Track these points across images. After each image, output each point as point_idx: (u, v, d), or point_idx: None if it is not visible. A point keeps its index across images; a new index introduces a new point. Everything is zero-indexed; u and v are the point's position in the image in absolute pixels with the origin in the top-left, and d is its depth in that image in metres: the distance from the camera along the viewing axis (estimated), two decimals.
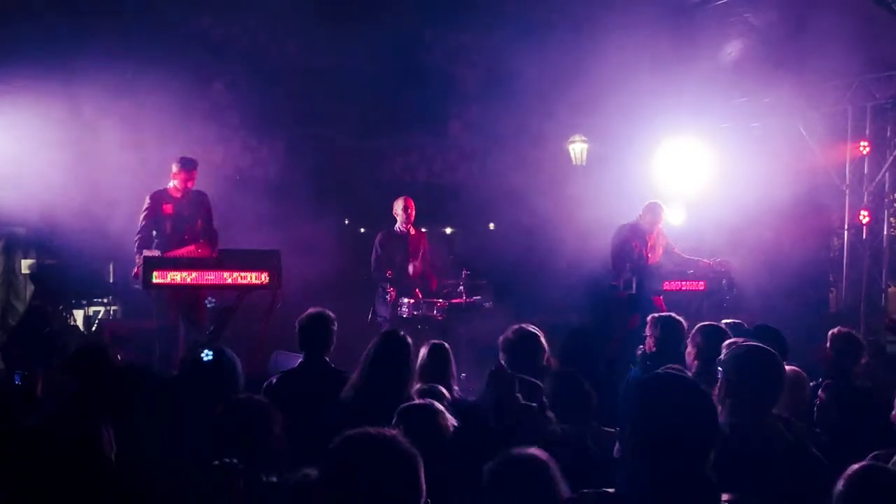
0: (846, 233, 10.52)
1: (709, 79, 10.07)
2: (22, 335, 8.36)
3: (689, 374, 4.30)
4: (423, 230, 9.52)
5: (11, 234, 9.90)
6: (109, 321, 9.65)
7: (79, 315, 9.52)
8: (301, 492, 2.77)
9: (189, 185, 7.66)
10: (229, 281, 6.85)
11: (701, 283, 8.68)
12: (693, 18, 10.40)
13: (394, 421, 3.35)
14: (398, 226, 8.97)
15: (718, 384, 3.34)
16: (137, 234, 7.59)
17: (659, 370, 3.63)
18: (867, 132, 10.27)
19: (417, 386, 4.68)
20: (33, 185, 8.55)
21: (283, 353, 7.64)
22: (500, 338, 4.73)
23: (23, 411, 4.13)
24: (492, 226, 13.46)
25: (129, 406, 3.70)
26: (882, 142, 10.43)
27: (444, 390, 3.97)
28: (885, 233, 10.53)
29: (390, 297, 8.58)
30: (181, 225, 7.62)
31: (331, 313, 5.02)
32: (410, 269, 8.79)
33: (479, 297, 9.12)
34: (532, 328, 4.74)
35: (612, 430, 4.21)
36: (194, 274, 6.80)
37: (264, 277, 6.86)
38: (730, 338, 4.31)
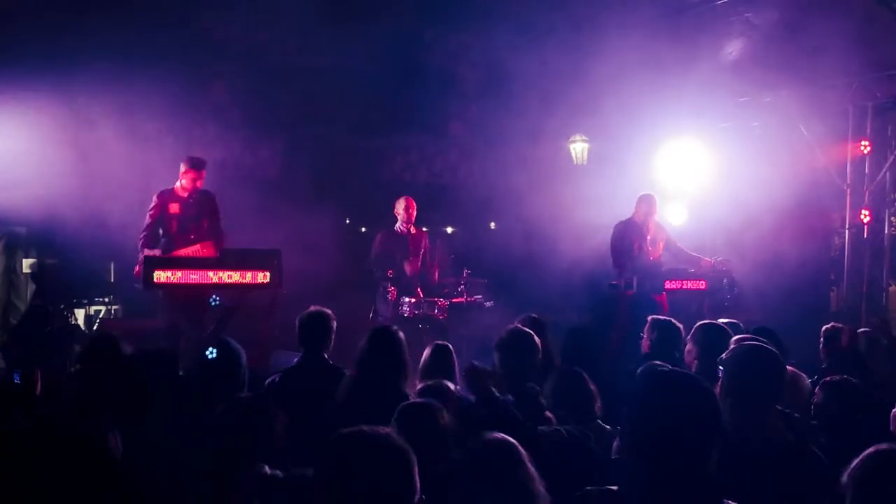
0: (847, 232, 10.52)
1: (709, 78, 10.07)
2: (23, 334, 8.38)
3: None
4: (424, 229, 9.53)
5: (12, 233, 9.92)
6: (110, 320, 9.66)
7: (80, 314, 9.53)
8: (302, 488, 2.78)
9: (197, 184, 7.66)
10: (230, 280, 6.86)
11: (702, 281, 8.67)
12: (694, 18, 10.41)
13: (393, 419, 3.35)
14: (398, 225, 8.98)
15: (720, 383, 3.35)
16: (142, 232, 7.61)
17: (663, 368, 3.63)
18: (868, 131, 10.28)
19: (420, 385, 4.70)
20: (34, 184, 8.57)
21: (283, 351, 7.64)
22: (496, 338, 4.73)
23: (21, 410, 4.11)
24: (492, 225, 13.47)
25: (140, 402, 3.72)
26: (883, 141, 10.44)
27: (449, 384, 3.97)
28: (885, 232, 10.55)
29: (391, 295, 8.59)
30: (187, 224, 7.63)
31: (330, 312, 5.04)
32: (408, 268, 8.79)
33: (479, 297, 9.13)
34: (526, 328, 4.73)
35: (609, 427, 4.23)
36: (195, 274, 6.80)
37: (265, 277, 6.87)
38: (730, 336, 4.32)
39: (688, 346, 4.58)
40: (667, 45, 9.86)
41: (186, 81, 9.98)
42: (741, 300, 8.88)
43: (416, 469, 2.23)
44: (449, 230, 13.59)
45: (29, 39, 8.90)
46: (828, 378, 4.45)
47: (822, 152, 10.49)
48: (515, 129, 11.11)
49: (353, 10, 10.58)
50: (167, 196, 7.67)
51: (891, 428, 3.81)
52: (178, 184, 7.69)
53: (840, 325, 6.47)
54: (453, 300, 8.90)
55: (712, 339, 4.38)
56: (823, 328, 6.35)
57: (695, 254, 9.06)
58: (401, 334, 4.48)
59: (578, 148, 11.95)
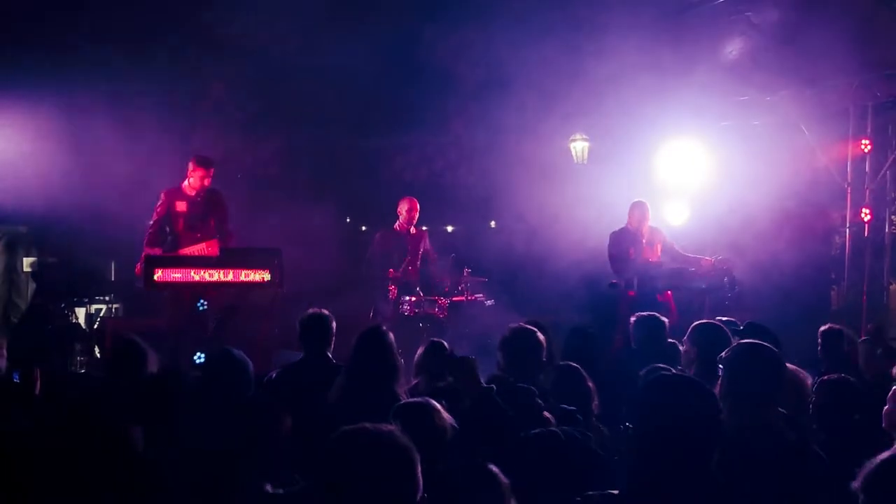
0: (848, 231, 10.52)
1: (710, 77, 10.06)
2: (23, 333, 8.40)
3: (683, 372, 4.33)
4: (424, 228, 9.55)
5: (13, 231, 9.93)
6: (111, 319, 9.68)
7: (80, 313, 9.54)
8: (303, 501, 2.78)
9: (205, 182, 7.68)
10: (231, 279, 6.88)
11: (701, 281, 8.71)
12: (694, 17, 10.39)
13: (390, 417, 3.36)
14: (399, 225, 9.00)
15: (719, 382, 3.36)
16: (148, 230, 7.64)
17: (665, 371, 3.65)
18: (868, 130, 10.28)
19: (415, 381, 4.73)
20: (35, 183, 8.58)
21: (287, 352, 7.67)
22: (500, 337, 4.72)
23: (21, 410, 4.12)
24: (493, 224, 13.48)
25: (161, 403, 3.75)
26: (883, 140, 10.44)
27: (433, 403, 3.96)
28: (886, 230, 10.55)
29: (391, 294, 8.60)
30: (194, 223, 7.64)
31: (329, 313, 5.09)
32: (409, 267, 8.82)
33: (480, 296, 9.15)
34: (531, 326, 4.74)
35: (604, 427, 4.24)
36: (196, 273, 6.83)
37: (266, 276, 6.89)
38: (727, 335, 4.33)
39: (685, 347, 4.59)
40: (667, 44, 9.86)
41: (187, 81, 9.99)
42: (742, 299, 8.89)
43: (419, 467, 2.21)
44: (449, 229, 13.62)
45: (29, 39, 8.91)
46: (825, 377, 4.46)
47: (823, 151, 10.50)
48: (516, 127, 11.11)
49: (353, 9, 10.58)
50: (174, 194, 7.69)
51: (883, 425, 3.82)
52: (185, 182, 7.71)
53: (838, 327, 6.47)
54: (453, 299, 8.92)
55: (709, 338, 4.38)
56: (821, 329, 6.35)
57: (693, 255, 9.10)
58: (390, 334, 4.49)
59: (579, 147, 11.96)
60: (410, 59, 10.65)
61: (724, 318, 5.28)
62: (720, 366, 3.39)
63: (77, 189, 8.81)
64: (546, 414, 3.95)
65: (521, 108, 10.72)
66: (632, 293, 8.65)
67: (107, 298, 9.88)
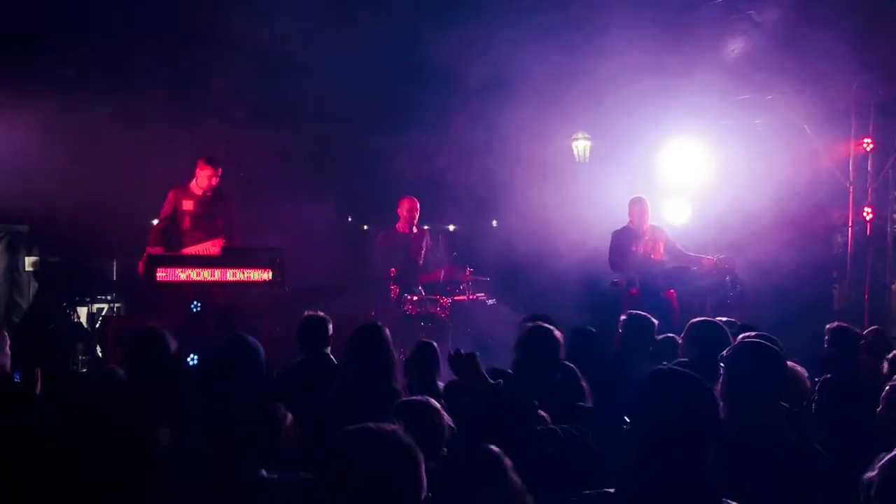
0: (850, 230, 10.52)
1: (711, 76, 10.07)
2: (25, 332, 8.41)
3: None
4: (426, 228, 9.56)
5: (15, 231, 9.94)
6: (113, 318, 9.69)
7: (82, 312, 9.55)
8: (300, 490, 2.79)
9: (213, 182, 7.71)
10: (233, 278, 6.90)
11: (703, 280, 8.72)
12: (696, 15, 10.40)
13: (390, 414, 3.37)
14: (400, 224, 9.01)
15: (720, 380, 3.37)
16: (154, 228, 7.68)
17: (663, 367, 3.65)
18: (870, 129, 10.28)
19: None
20: (36, 182, 8.59)
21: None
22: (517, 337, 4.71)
23: (21, 409, 4.13)
24: (494, 223, 13.48)
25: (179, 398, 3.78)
26: (885, 139, 10.42)
27: (432, 401, 3.98)
28: (888, 230, 10.53)
29: (393, 294, 8.61)
30: (200, 222, 7.67)
31: (325, 315, 5.19)
32: (410, 266, 8.84)
33: (481, 295, 9.15)
34: (547, 325, 4.71)
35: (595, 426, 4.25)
36: (197, 272, 6.84)
37: (268, 275, 6.91)
38: (725, 333, 4.34)
39: (682, 345, 4.60)
40: (669, 42, 9.86)
41: (188, 80, 10.00)
42: (743, 298, 8.90)
43: (423, 467, 2.20)
44: (451, 228, 13.62)
45: (31, 37, 8.92)
46: (827, 376, 4.46)
47: (825, 150, 10.50)
48: (517, 126, 11.11)
49: (354, 8, 10.59)
50: (181, 193, 7.73)
51: (876, 426, 3.81)
52: (193, 181, 7.74)
53: (845, 325, 6.43)
54: (455, 298, 8.93)
55: (706, 336, 4.39)
56: (828, 326, 6.30)
57: (695, 254, 9.12)
58: (386, 330, 4.51)
59: (580, 146, 11.96)
60: (411, 58, 10.66)
61: (724, 319, 5.29)
62: (721, 364, 3.39)
63: (79, 188, 8.81)
64: (541, 413, 3.97)
65: (522, 107, 10.71)
66: (634, 292, 8.66)
67: (108, 298, 9.89)
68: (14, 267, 9.97)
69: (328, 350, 5.18)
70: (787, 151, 10.32)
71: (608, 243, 9.13)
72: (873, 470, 2.60)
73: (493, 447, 2.75)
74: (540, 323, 4.71)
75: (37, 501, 3.14)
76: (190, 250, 7.42)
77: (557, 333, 4.56)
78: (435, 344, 4.95)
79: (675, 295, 8.73)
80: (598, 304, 9.32)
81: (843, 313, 9.91)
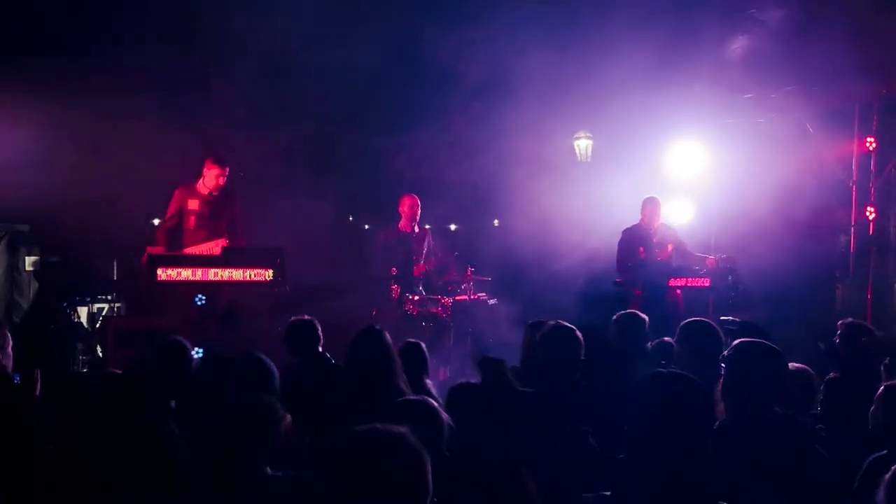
0: (853, 229, 10.52)
1: (714, 75, 10.07)
2: (26, 332, 8.41)
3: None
4: (427, 227, 9.56)
5: (15, 230, 9.94)
6: (113, 318, 9.69)
7: (83, 312, 9.56)
8: (304, 489, 2.79)
9: (220, 181, 7.74)
10: (233, 278, 6.90)
11: (705, 279, 8.73)
12: (699, 14, 10.39)
13: (388, 414, 3.37)
14: (401, 223, 9.01)
15: (721, 381, 3.37)
16: (161, 227, 7.71)
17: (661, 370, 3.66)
18: (874, 128, 10.27)
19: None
20: (37, 181, 8.59)
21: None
22: (538, 334, 4.71)
23: (21, 411, 4.14)
24: (496, 222, 13.48)
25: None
26: (889, 138, 10.41)
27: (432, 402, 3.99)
28: (892, 229, 10.53)
29: (394, 294, 8.62)
30: (205, 222, 7.69)
31: (312, 318, 5.29)
32: (412, 266, 8.84)
33: (483, 295, 9.15)
34: (568, 325, 4.72)
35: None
36: (198, 271, 6.85)
37: (269, 275, 6.91)
38: (718, 333, 4.33)
39: (676, 348, 4.60)
40: (671, 41, 9.86)
41: (189, 79, 9.99)
42: (746, 298, 8.89)
43: (430, 469, 2.20)
44: (452, 227, 13.62)
45: (31, 35, 8.93)
46: (832, 375, 4.45)
47: (828, 149, 10.49)
48: (519, 125, 11.11)
49: (356, 6, 10.59)
50: (187, 192, 7.75)
51: (870, 426, 3.78)
52: (200, 181, 7.76)
53: (861, 323, 6.35)
54: (457, 298, 8.93)
55: (698, 336, 4.39)
56: (841, 322, 6.22)
57: (699, 254, 9.14)
58: (386, 333, 4.52)
59: (583, 145, 11.96)
60: (413, 57, 10.66)
61: (726, 318, 5.28)
62: (722, 364, 3.40)
63: (79, 187, 8.82)
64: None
65: (523, 106, 10.71)
66: (638, 292, 8.67)
67: (109, 297, 9.89)
68: (14, 266, 9.96)
69: (320, 349, 5.21)
70: (790, 150, 10.31)
71: (614, 242, 9.14)
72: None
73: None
74: (562, 322, 4.71)
75: (37, 502, 3.14)
76: (192, 250, 7.44)
77: (579, 334, 4.56)
78: (423, 344, 4.97)
79: (680, 295, 8.73)
80: (601, 303, 9.32)
81: (846, 313, 9.90)
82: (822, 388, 4.34)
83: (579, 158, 12.00)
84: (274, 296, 7.74)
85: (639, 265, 8.72)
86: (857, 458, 3.45)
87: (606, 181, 10.66)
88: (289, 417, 3.29)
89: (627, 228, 9.11)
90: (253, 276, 6.96)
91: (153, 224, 9.27)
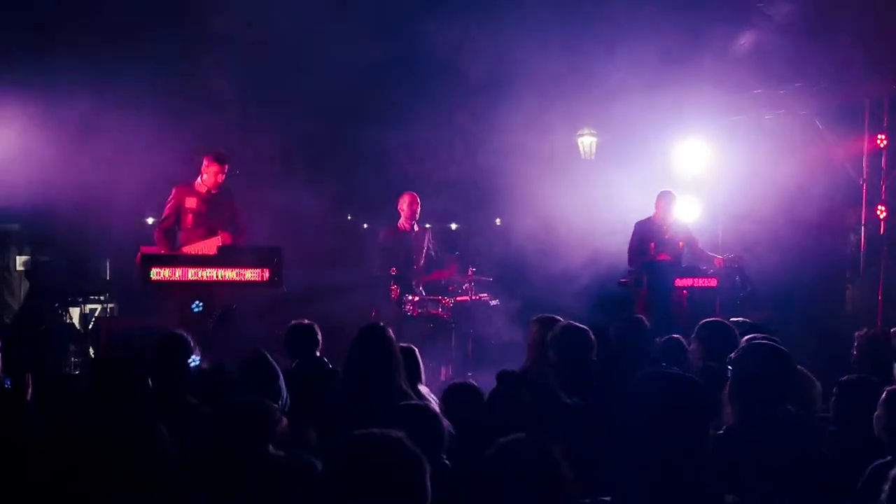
0: (863, 228, 10.50)
1: (721, 70, 10.06)
2: (16, 334, 8.42)
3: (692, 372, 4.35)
4: (427, 226, 9.56)
5: (5, 229, 9.96)
6: (106, 319, 9.70)
7: (75, 313, 9.57)
8: (304, 469, 2.80)
9: (219, 179, 7.72)
10: (228, 278, 6.90)
11: (712, 279, 8.72)
12: (706, 8, 10.39)
13: (388, 419, 3.37)
14: (401, 222, 9.01)
15: (728, 382, 3.37)
16: (158, 226, 7.71)
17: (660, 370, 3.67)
18: (885, 125, 10.25)
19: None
20: (28, 179, 8.59)
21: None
22: (549, 334, 4.71)
23: (12, 416, 4.13)
24: (498, 221, 13.48)
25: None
26: None
27: (433, 405, 3.99)
28: None
29: (394, 294, 8.61)
30: (203, 220, 7.68)
31: (312, 322, 5.32)
32: (412, 265, 8.84)
33: (485, 295, 9.15)
34: (581, 325, 4.69)
35: None
36: (193, 272, 6.84)
37: (265, 275, 6.91)
38: (735, 333, 4.33)
39: (692, 346, 4.60)
40: (678, 36, 9.85)
41: (183, 74, 9.99)
42: (754, 298, 8.88)
43: (428, 474, 2.21)
44: (453, 226, 13.62)
45: (21, 31, 8.92)
46: (845, 378, 4.43)
47: (838, 146, 10.48)
48: (522, 121, 11.11)
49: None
50: (185, 190, 7.74)
51: (875, 432, 3.77)
52: (198, 179, 7.76)
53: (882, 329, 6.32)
54: (458, 299, 8.92)
55: (715, 336, 4.39)
56: (857, 334, 6.18)
57: (709, 252, 9.15)
58: (389, 331, 4.52)
59: (587, 142, 11.96)
60: (414, 50, 10.65)
61: (738, 319, 5.28)
62: (729, 367, 3.40)
63: (71, 186, 8.82)
64: None
65: (527, 102, 10.71)
66: (644, 291, 8.66)
67: (102, 298, 9.90)
68: (4, 266, 9.98)
69: (318, 353, 5.24)
70: (799, 147, 10.32)
71: (619, 241, 9.15)
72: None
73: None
74: (573, 322, 4.70)
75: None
76: (189, 249, 7.44)
77: (592, 336, 4.57)
78: (416, 350, 4.97)
79: (686, 295, 8.73)
80: (606, 304, 9.32)
81: (856, 315, 9.90)
82: (835, 390, 4.33)
83: (583, 155, 11.99)
84: (271, 296, 7.74)
85: (646, 265, 8.71)
86: (869, 461, 3.44)
87: (611, 179, 10.65)
88: (285, 420, 3.30)
89: (640, 221, 9.09)
90: (249, 276, 6.94)
91: (147, 223, 9.27)
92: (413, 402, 3.79)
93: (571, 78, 10.27)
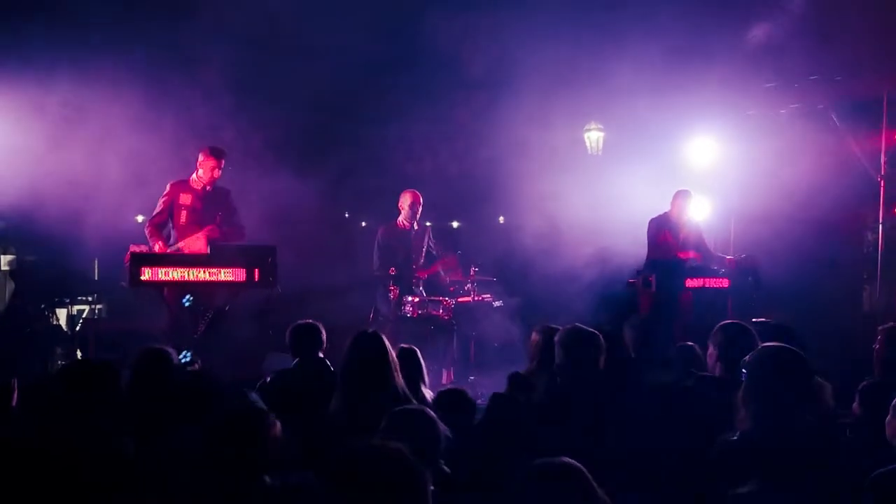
0: (880, 227, 10.46)
1: (734, 63, 10.03)
2: (1, 337, 8.40)
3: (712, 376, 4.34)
4: (428, 224, 9.53)
5: None
6: (94, 321, 9.69)
7: (62, 314, 9.55)
8: (301, 493, 2.79)
9: (215, 174, 7.75)
10: (220, 278, 6.87)
11: (724, 280, 8.71)
12: (718, 0, 10.36)
13: (385, 424, 3.36)
14: (401, 220, 8.98)
15: (743, 387, 3.34)
16: (150, 222, 7.71)
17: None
18: None
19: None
20: (12, 178, 8.57)
21: (278, 354, 7.66)
22: (556, 337, 4.69)
23: None
24: (501, 219, 13.46)
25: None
26: None
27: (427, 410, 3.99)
28: None
29: (393, 295, 8.58)
30: (197, 217, 7.68)
31: (318, 323, 5.33)
32: (412, 265, 8.83)
33: (487, 296, 9.12)
34: (589, 328, 4.66)
35: None
36: (184, 271, 6.82)
37: (259, 275, 6.88)
38: (753, 336, 4.30)
39: (709, 349, 4.58)
40: (689, 29, 9.82)
41: (176, 69, 9.96)
42: (768, 299, 8.85)
43: (429, 487, 2.21)
44: (455, 224, 13.60)
45: (7, 25, 8.90)
46: (865, 382, 4.41)
47: (855, 142, 10.44)
48: (526, 116, 11.08)
49: None
50: (180, 186, 7.76)
51: (887, 434, 3.74)
52: (194, 175, 7.77)
53: None
54: (460, 299, 8.89)
55: (733, 339, 4.37)
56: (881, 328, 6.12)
57: (719, 253, 9.15)
58: (382, 336, 4.53)
59: (593, 137, 11.93)
60: (415, 42, 10.63)
61: (760, 320, 5.25)
62: (743, 371, 3.37)
63: (58, 184, 8.79)
64: None
65: (531, 96, 10.68)
66: (653, 292, 8.65)
67: (90, 299, 9.89)
68: None
69: (321, 355, 5.25)
70: (814, 143, 10.26)
71: (626, 240, 9.18)
72: None
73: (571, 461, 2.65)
74: (578, 325, 4.69)
75: None
76: (183, 244, 7.46)
77: (600, 339, 4.55)
78: (417, 350, 4.97)
79: (691, 296, 8.71)
80: (613, 304, 9.30)
81: (873, 316, 9.87)
82: (856, 394, 4.31)
83: (590, 151, 11.97)
84: (265, 297, 7.72)
85: (658, 264, 8.72)
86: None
87: (618, 175, 10.62)
88: (279, 425, 3.28)
89: (655, 218, 9.15)
90: (242, 276, 6.92)
91: (137, 221, 9.25)
92: (410, 406, 3.78)
93: (578, 71, 10.24)
